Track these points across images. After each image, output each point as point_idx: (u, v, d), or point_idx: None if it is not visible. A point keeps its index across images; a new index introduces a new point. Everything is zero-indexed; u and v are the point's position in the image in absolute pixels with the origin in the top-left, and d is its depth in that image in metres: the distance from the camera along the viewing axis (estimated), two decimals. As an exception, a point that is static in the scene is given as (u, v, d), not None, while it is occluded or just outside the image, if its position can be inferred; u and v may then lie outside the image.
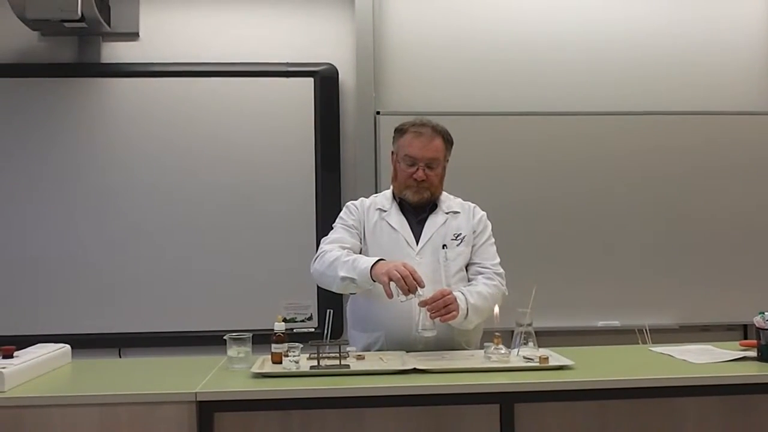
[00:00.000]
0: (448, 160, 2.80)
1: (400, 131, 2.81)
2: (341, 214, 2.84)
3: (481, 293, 2.63)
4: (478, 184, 3.85)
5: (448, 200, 2.84)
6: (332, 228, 2.82)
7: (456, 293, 2.55)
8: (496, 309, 2.55)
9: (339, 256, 2.60)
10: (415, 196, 2.73)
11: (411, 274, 2.42)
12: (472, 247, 2.78)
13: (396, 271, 2.42)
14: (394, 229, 2.74)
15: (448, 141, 2.78)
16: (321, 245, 2.74)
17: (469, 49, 4.28)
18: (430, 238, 2.72)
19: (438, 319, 2.46)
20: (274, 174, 4.14)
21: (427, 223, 2.75)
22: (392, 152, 2.84)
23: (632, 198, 4.21)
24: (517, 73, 4.28)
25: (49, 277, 4.02)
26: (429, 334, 2.50)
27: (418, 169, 2.70)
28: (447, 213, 2.79)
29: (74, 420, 2.09)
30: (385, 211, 2.78)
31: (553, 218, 4.17)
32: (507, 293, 2.73)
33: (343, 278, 2.55)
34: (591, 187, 4.20)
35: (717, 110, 4.30)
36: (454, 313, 2.46)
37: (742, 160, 4.27)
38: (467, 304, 2.56)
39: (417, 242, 2.72)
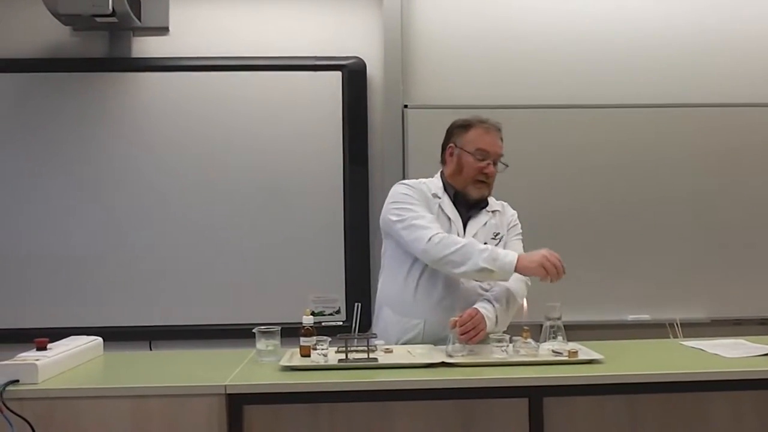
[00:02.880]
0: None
1: (464, 126, 2.82)
2: (411, 193, 2.75)
3: (509, 292, 2.66)
4: (508, 178, 3.82)
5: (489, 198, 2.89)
6: (406, 205, 2.72)
7: (483, 304, 2.59)
8: (525, 303, 2.54)
9: (468, 244, 2.59)
10: (478, 192, 2.76)
11: (559, 262, 2.53)
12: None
13: (549, 260, 2.52)
14: (449, 219, 2.77)
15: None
16: (424, 222, 2.65)
17: (497, 42, 4.25)
18: (474, 235, 2.75)
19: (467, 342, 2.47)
20: (302, 168, 4.15)
21: (471, 221, 2.79)
22: (451, 145, 2.81)
23: (663, 190, 4.16)
24: (545, 66, 4.24)
25: (82, 270, 4.06)
26: (458, 355, 2.46)
27: (489, 164, 2.74)
28: (489, 212, 2.83)
29: (106, 412, 2.11)
30: (439, 197, 2.80)
31: (582, 212, 4.13)
32: (530, 283, 2.74)
33: (482, 269, 2.54)
34: (622, 180, 4.16)
35: (746, 102, 4.23)
36: (482, 333, 2.49)
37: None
38: (495, 312, 2.58)
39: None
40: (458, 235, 2.73)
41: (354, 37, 4.27)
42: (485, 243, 2.71)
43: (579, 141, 4.15)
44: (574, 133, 4.15)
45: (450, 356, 2.40)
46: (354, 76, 4.19)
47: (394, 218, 2.73)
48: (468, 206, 2.80)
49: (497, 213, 2.85)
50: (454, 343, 2.45)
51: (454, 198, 2.81)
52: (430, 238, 2.61)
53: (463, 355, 2.41)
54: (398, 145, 4.12)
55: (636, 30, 4.28)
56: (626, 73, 4.25)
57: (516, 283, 2.69)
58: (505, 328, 2.64)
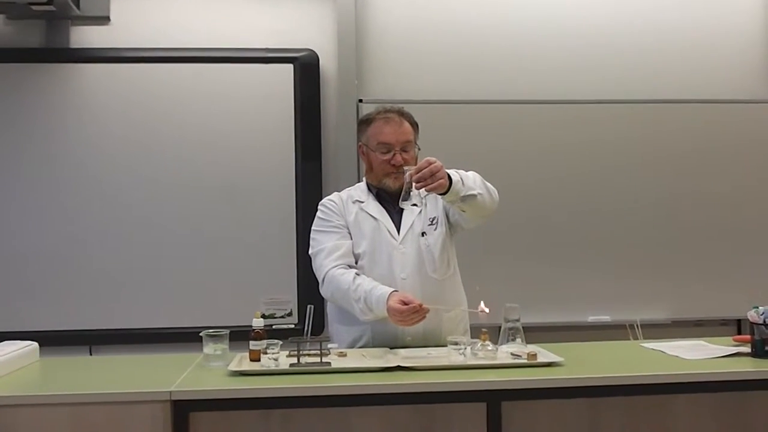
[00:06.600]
0: (417, 144, 2.84)
1: (366, 122, 2.87)
2: (321, 215, 2.85)
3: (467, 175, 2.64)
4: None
5: None
6: (315, 231, 2.83)
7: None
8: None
9: (347, 290, 2.62)
10: (395, 182, 2.75)
11: (411, 309, 2.47)
12: (446, 212, 2.83)
13: (400, 319, 2.50)
14: (374, 218, 2.79)
15: (414, 124, 2.85)
16: (319, 259, 2.75)
17: (454, 35, 4.27)
18: (411, 226, 2.78)
19: (425, 189, 2.48)
20: (253, 164, 4.13)
21: (405, 212, 2.80)
22: (360, 145, 2.89)
23: (624, 190, 4.22)
24: (503, 60, 4.27)
25: (15, 270, 3.99)
26: (410, 204, 2.59)
27: (394, 154, 2.75)
28: (422, 198, 2.82)
29: (43, 420, 2.08)
30: (362, 202, 2.84)
31: (542, 210, 4.18)
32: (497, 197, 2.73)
33: (363, 316, 2.61)
34: (581, 178, 4.21)
35: (711, 98, 4.31)
36: (441, 181, 2.47)
37: (737, 152, 4.29)
38: (458, 173, 2.57)
39: (398, 232, 2.77)
40: (389, 232, 2.76)
41: (306, 28, 4.26)
42: (423, 233, 2.76)
43: (537, 137, 4.19)
44: (532, 129, 4.19)
45: (401, 204, 2.60)
46: (306, 69, 4.18)
47: (310, 245, 2.84)
48: (396, 198, 2.76)
49: (430, 195, 2.79)
50: (409, 193, 2.52)
51: (378, 196, 2.84)
52: (323, 278, 2.72)
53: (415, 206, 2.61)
54: (352, 140, 4.03)
55: (599, 21, 4.34)
56: (589, 69, 4.31)
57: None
58: (478, 197, 2.59)
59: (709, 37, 4.39)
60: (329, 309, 2.91)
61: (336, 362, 2.40)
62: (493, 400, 2.20)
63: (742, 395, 2.27)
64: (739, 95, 4.36)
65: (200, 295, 4.04)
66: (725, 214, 4.27)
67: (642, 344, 2.78)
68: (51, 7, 3.85)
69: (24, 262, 4.00)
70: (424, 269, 2.74)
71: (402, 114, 2.83)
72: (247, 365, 2.36)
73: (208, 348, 2.44)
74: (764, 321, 2.43)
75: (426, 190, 2.50)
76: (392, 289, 2.57)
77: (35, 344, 2.61)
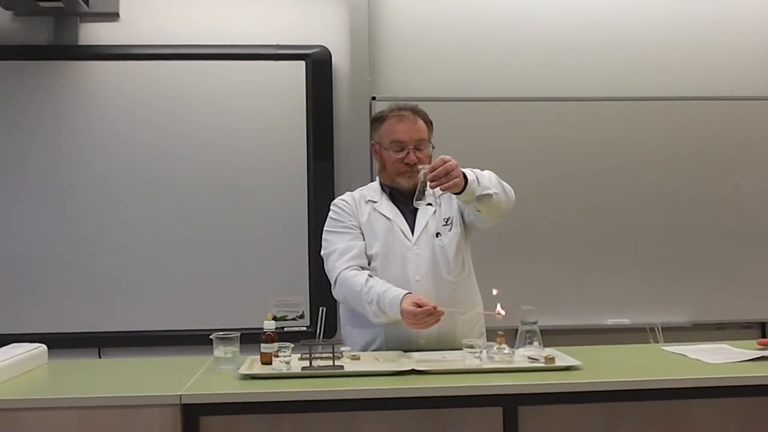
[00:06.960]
0: (432, 142, 2.84)
1: (379, 119, 2.87)
2: (333, 215, 2.85)
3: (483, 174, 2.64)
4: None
5: None
6: (327, 232, 2.83)
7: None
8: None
9: (359, 292, 2.62)
10: (409, 181, 2.75)
11: (425, 312, 2.45)
12: (461, 212, 2.82)
13: (410, 320, 2.49)
14: (387, 218, 2.79)
15: (428, 122, 2.85)
16: (331, 261, 2.75)
17: (468, 31, 4.26)
18: (425, 227, 2.77)
19: (439, 188, 2.47)
20: (264, 164, 4.13)
21: (420, 212, 2.79)
22: (373, 143, 2.89)
23: (643, 190, 4.20)
24: (518, 58, 4.25)
25: (24, 273, 4.00)
26: (424, 204, 2.57)
27: (408, 153, 2.75)
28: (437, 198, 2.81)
29: (50, 424, 2.08)
30: (375, 202, 2.84)
31: (560, 210, 4.16)
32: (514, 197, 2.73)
33: (376, 318, 2.60)
34: (600, 178, 4.19)
35: (728, 96, 4.27)
36: (456, 180, 2.46)
37: (758, 150, 4.26)
38: (473, 172, 2.57)
39: (412, 232, 2.77)
40: (403, 233, 2.75)
41: (318, 24, 4.26)
42: (437, 233, 2.76)
43: (553, 135, 4.18)
44: (548, 127, 4.18)
45: (415, 203, 2.58)
46: (319, 66, 4.18)
47: (322, 246, 2.85)
48: (410, 198, 2.75)
49: (444, 195, 2.79)
50: (424, 193, 2.51)
51: (393, 194, 2.84)
52: (335, 280, 2.72)
53: (431, 207, 2.63)
54: (365, 139, 4.06)
55: (613, 18, 4.31)
56: (601, 66, 4.28)
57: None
58: (494, 197, 2.58)
59: (713, 33, 4.35)
60: (342, 311, 2.91)
61: (349, 365, 2.39)
62: (510, 404, 2.19)
63: (766, 401, 2.25)
64: (757, 92, 4.31)
65: (211, 297, 4.05)
66: (748, 215, 4.23)
67: (663, 348, 2.76)
68: (59, 4, 3.87)
69: (33, 264, 4.01)
70: (438, 271, 2.74)
71: (416, 111, 2.82)
72: (259, 368, 2.36)
73: (219, 351, 2.45)
74: (789, 324, 2.41)
75: (441, 190, 2.49)
76: (405, 291, 2.56)
77: (44, 347, 2.62)
